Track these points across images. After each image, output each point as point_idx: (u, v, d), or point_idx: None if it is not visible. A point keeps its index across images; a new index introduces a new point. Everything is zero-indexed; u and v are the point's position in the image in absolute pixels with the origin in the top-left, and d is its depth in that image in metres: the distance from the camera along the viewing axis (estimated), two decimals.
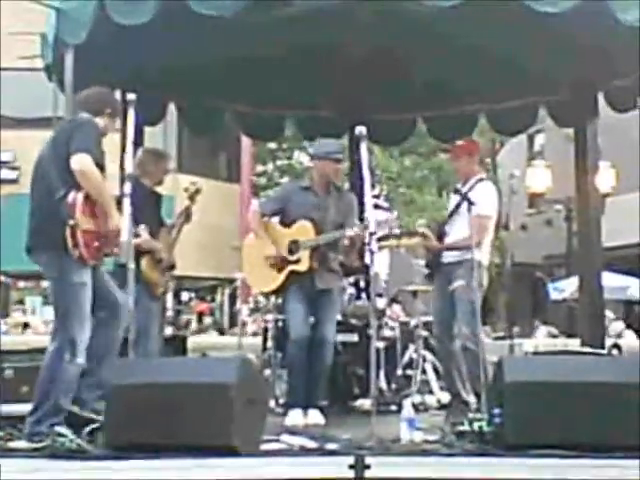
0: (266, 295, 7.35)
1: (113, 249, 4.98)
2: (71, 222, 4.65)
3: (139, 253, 5.75)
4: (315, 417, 5.89)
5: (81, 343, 4.76)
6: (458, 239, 6.26)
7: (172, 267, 6.56)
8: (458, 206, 6.37)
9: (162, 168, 6.47)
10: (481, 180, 6.51)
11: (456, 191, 6.64)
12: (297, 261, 6.02)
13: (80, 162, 4.69)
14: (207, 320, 23.17)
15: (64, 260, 4.73)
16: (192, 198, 6.72)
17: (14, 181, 18.91)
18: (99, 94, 5.23)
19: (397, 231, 5.67)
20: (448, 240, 6.41)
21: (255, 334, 11.46)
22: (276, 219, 6.26)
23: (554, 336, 16.77)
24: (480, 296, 6.19)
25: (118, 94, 7.03)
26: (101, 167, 4.84)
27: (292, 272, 6.02)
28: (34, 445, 4.50)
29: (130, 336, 4.96)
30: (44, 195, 4.83)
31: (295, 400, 5.99)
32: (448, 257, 6.38)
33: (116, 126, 5.25)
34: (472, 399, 6.07)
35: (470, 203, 6.21)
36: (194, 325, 21.53)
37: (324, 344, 5.99)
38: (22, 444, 4.58)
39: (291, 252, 6.03)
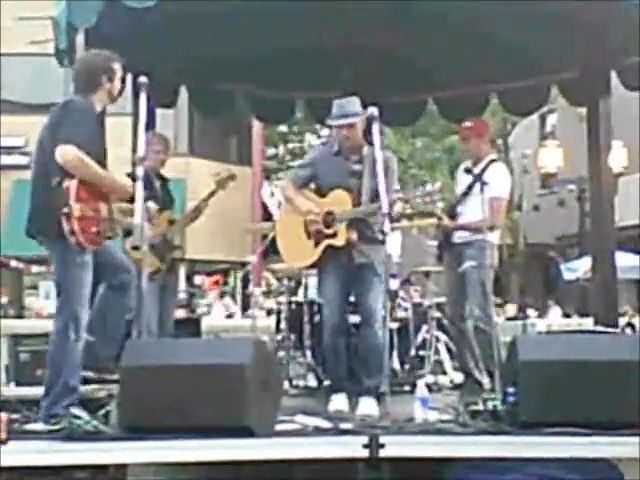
0: (289, 276, 7.29)
1: (116, 233, 5.01)
2: (65, 210, 4.62)
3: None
4: (366, 406, 5.43)
5: (83, 320, 4.78)
6: (472, 220, 6.24)
7: (172, 248, 6.56)
8: (471, 187, 6.34)
9: (154, 150, 6.36)
10: (493, 161, 6.50)
11: (467, 171, 6.62)
12: (334, 235, 5.66)
13: (63, 155, 4.65)
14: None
15: (63, 244, 4.71)
16: (222, 184, 6.65)
17: (25, 167, 18.93)
18: (88, 67, 5.04)
19: (410, 211, 5.56)
20: (461, 221, 6.40)
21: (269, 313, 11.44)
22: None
23: (567, 315, 16.77)
24: (491, 276, 6.20)
25: (129, 77, 7.10)
26: (89, 150, 4.73)
27: (329, 246, 5.70)
28: (50, 427, 4.53)
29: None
30: (40, 181, 4.82)
31: (338, 385, 5.75)
32: (459, 237, 6.37)
33: (119, 82, 5.06)
34: (485, 379, 6.09)
35: (483, 184, 6.18)
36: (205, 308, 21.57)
37: (366, 321, 5.64)
38: (39, 426, 4.61)
39: (327, 224, 5.70)
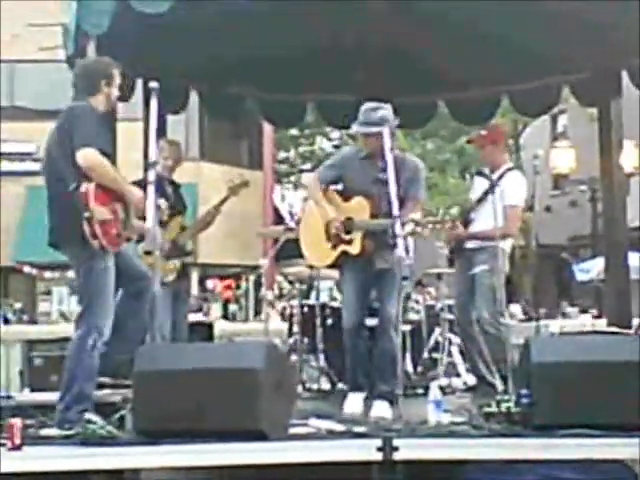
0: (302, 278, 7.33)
1: (134, 234, 5.03)
2: (86, 214, 4.66)
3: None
4: (380, 409, 5.41)
5: (105, 328, 4.80)
6: (487, 228, 6.23)
7: (185, 254, 6.58)
8: (486, 194, 6.32)
9: (162, 156, 6.30)
10: (510, 169, 6.46)
11: (479, 173, 6.61)
12: (350, 242, 5.66)
13: (85, 157, 4.69)
14: (232, 307, 23.26)
15: (86, 251, 4.74)
16: (234, 191, 6.66)
17: (37, 173, 18.98)
18: (87, 71, 5.10)
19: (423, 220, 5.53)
20: (475, 228, 6.38)
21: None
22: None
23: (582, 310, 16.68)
24: (502, 282, 6.19)
25: (140, 82, 7.14)
26: (107, 153, 4.81)
27: (344, 252, 5.71)
28: (65, 432, 4.55)
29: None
30: (58, 188, 4.83)
31: (353, 384, 5.79)
32: (471, 243, 6.36)
33: (116, 89, 5.08)
34: (498, 382, 6.06)
35: (497, 189, 6.16)
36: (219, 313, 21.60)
37: (383, 326, 5.62)
38: (53, 432, 4.62)
39: (346, 230, 5.68)
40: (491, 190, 6.17)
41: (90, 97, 4.97)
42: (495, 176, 6.35)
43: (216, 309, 16.03)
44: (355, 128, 5.74)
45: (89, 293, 4.83)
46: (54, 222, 4.90)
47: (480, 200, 6.38)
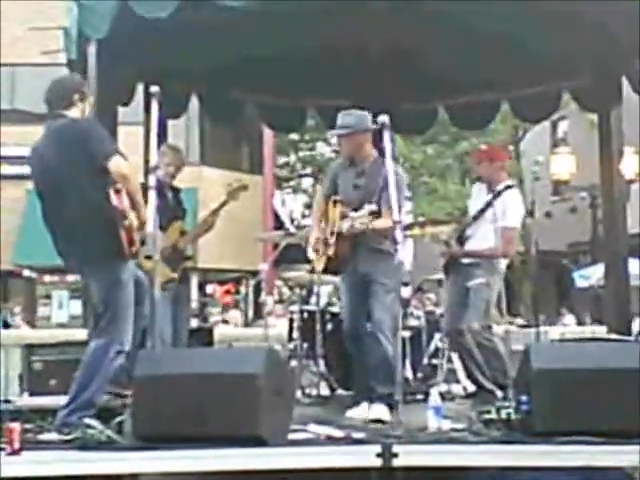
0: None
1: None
2: (126, 223, 4.69)
3: None
4: (377, 411, 5.41)
5: (126, 341, 4.79)
6: (482, 248, 6.23)
7: (185, 258, 6.58)
8: (483, 211, 6.32)
9: (164, 162, 6.29)
10: (508, 187, 6.45)
11: (479, 179, 6.61)
12: (329, 245, 5.82)
13: (118, 165, 4.70)
14: (232, 312, 23.21)
15: (117, 263, 4.76)
16: (233, 195, 6.67)
17: None
18: (62, 86, 5.08)
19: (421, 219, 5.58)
20: (471, 245, 6.38)
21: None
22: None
23: (580, 324, 16.75)
24: (494, 299, 6.22)
25: (141, 87, 7.14)
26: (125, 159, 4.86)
27: (329, 257, 5.84)
28: (64, 437, 4.53)
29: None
30: (80, 204, 4.76)
31: (358, 393, 5.86)
32: (467, 259, 6.36)
33: (90, 106, 5.10)
34: (497, 390, 6.06)
35: (489, 205, 6.17)
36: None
37: (374, 331, 5.63)
38: (52, 436, 4.61)
39: (331, 234, 5.81)
40: (488, 208, 6.18)
41: (66, 111, 4.95)
42: (493, 194, 6.34)
43: (234, 315, 15.97)
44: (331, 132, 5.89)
45: (114, 305, 4.79)
46: (78, 240, 4.79)
47: (476, 217, 6.39)
